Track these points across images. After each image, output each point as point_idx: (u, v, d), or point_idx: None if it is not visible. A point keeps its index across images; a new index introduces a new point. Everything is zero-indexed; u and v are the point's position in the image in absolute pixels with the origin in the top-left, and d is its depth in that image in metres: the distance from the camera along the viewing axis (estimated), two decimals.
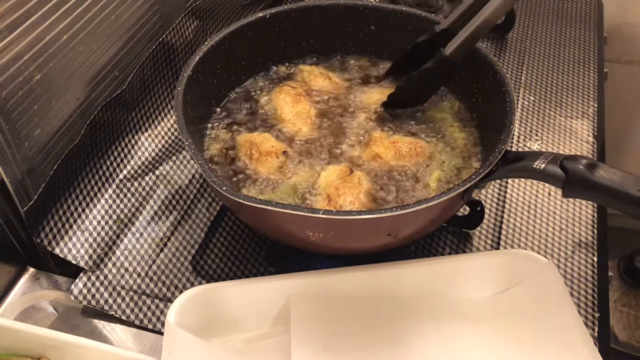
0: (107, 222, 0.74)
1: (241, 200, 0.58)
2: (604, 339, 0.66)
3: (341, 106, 0.78)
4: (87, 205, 0.74)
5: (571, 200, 0.79)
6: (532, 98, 0.96)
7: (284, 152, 0.71)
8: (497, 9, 0.66)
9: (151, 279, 0.70)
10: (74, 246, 0.70)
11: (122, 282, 0.69)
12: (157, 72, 0.84)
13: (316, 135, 0.74)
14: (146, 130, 0.83)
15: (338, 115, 0.77)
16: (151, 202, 0.77)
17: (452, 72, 0.74)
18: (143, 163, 0.81)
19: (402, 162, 0.71)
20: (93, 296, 0.67)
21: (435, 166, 0.71)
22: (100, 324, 0.67)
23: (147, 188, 0.78)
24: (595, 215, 0.78)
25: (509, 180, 0.82)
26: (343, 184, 0.66)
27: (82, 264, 0.69)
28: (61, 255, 0.69)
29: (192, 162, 0.82)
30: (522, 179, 0.82)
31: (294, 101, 0.76)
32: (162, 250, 0.73)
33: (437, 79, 0.75)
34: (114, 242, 0.72)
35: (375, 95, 0.79)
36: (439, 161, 0.72)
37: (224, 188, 0.59)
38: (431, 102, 0.78)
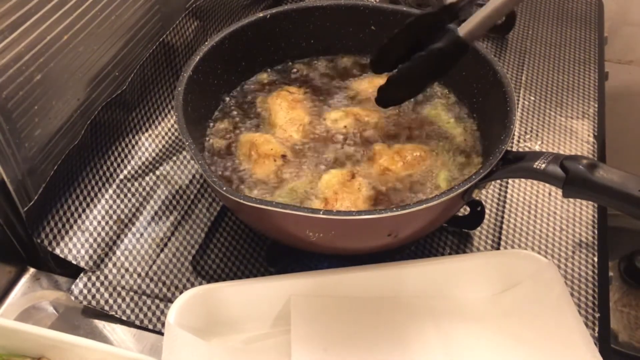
0: (107, 222, 0.74)
1: (241, 201, 0.58)
2: (604, 339, 0.66)
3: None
4: (88, 205, 0.74)
5: (571, 200, 0.79)
6: (532, 98, 0.96)
7: (283, 156, 0.70)
8: None
9: (151, 279, 0.70)
10: (74, 246, 0.71)
11: (123, 282, 0.69)
12: (158, 73, 0.84)
13: (308, 143, 0.73)
14: (146, 130, 0.83)
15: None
16: (151, 202, 0.77)
17: (459, 58, 0.65)
18: (143, 163, 0.81)
19: (410, 171, 0.70)
20: (93, 296, 0.67)
21: (440, 167, 0.71)
22: (101, 324, 0.67)
23: (148, 188, 0.78)
24: (596, 215, 0.78)
25: (509, 181, 0.82)
26: (342, 188, 0.66)
27: (82, 264, 0.69)
28: (61, 256, 0.69)
29: (192, 162, 0.82)
30: (523, 179, 0.82)
31: (290, 107, 0.76)
32: (162, 250, 0.73)
33: (444, 65, 0.66)
34: (114, 243, 0.72)
35: (364, 84, 0.78)
36: (443, 161, 0.71)
37: (224, 188, 0.59)
38: (421, 100, 0.78)
